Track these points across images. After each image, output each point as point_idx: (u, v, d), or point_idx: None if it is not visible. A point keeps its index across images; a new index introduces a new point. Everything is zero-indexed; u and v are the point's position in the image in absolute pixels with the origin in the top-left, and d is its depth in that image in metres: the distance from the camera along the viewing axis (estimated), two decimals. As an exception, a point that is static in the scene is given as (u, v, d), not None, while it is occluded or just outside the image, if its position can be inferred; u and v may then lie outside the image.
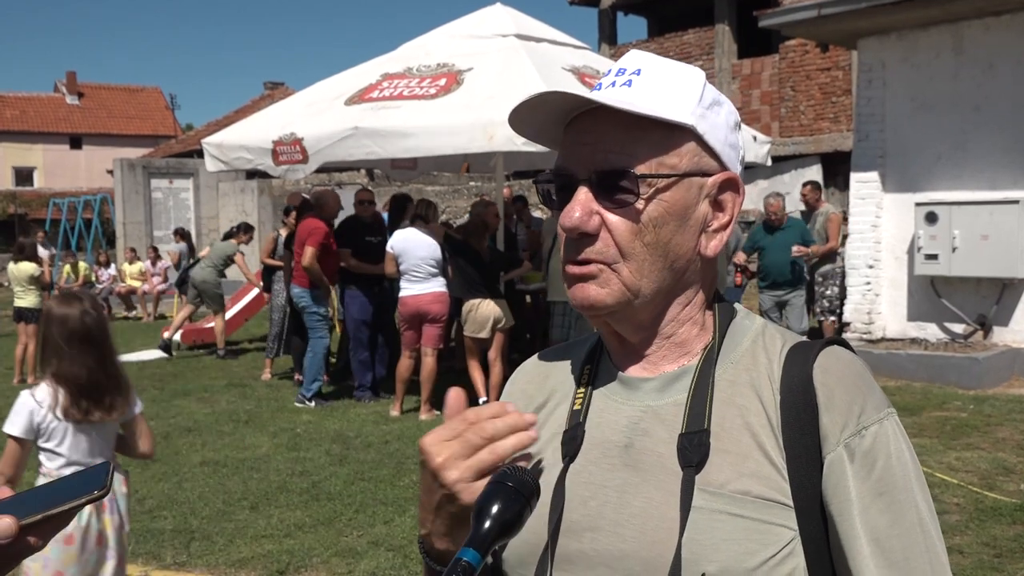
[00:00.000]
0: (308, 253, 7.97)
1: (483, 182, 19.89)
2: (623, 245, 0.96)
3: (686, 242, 0.98)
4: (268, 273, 9.93)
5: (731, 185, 1.01)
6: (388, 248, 7.61)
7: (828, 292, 9.86)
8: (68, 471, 2.83)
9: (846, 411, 0.94)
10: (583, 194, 0.96)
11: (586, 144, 0.97)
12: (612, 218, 0.96)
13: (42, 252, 16.04)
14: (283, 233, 9.77)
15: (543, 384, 1.12)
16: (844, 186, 13.47)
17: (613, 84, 0.99)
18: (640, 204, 0.95)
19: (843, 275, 9.80)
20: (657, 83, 0.98)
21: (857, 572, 0.93)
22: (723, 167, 1.00)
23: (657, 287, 0.98)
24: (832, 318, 9.85)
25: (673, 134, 0.97)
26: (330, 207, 8.45)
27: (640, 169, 0.95)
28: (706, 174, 0.99)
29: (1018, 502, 5.08)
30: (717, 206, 1.00)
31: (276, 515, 5.18)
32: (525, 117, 1.02)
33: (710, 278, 1.04)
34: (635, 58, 1.01)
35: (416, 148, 7.32)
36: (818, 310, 9.96)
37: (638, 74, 0.98)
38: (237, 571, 4.42)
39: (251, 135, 8.30)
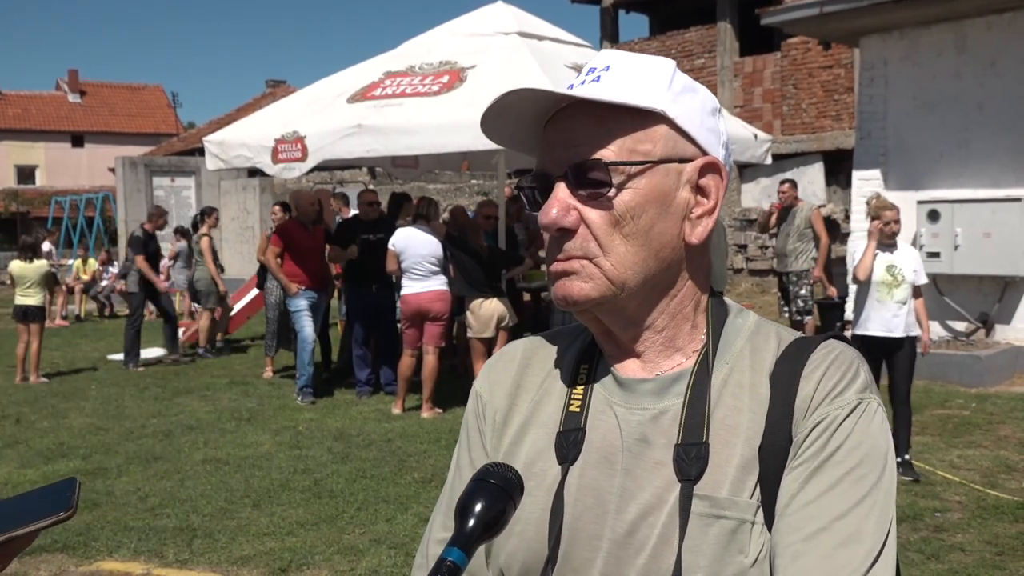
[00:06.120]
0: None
1: (484, 180, 19.88)
2: (602, 238, 0.95)
3: (669, 230, 0.96)
4: (263, 271, 9.96)
5: (713, 169, 0.98)
6: (390, 246, 7.61)
7: (802, 292, 9.61)
8: None
9: (822, 387, 0.93)
10: (560, 190, 0.96)
11: (559, 142, 0.97)
12: (589, 212, 0.95)
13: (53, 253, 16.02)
14: None
15: (524, 374, 1.09)
16: (846, 184, 13.45)
17: (583, 82, 0.98)
18: (615, 194, 0.94)
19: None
20: (625, 75, 0.96)
21: (776, 530, 0.90)
22: (703, 152, 0.98)
23: (643, 278, 0.96)
24: (808, 318, 9.59)
25: (644, 121, 0.95)
26: (302, 208, 8.78)
27: (611, 158, 0.94)
28: (684, 160, 0.97)
29: (1020, 500, 5.09)
30: (700, 192, 0.98)
31: (278, 513, 5.18)
32: (498, 124, 1.01)
33: (701, 270, 1.01)
34: (605, 56, 1.00)
35: (419, 145, 7.31)
36: (793, 309, 9.66)
37: (607, 70, 0.97)
38: (239, 569, 4.42)
39: (252, 133, 8.29)
